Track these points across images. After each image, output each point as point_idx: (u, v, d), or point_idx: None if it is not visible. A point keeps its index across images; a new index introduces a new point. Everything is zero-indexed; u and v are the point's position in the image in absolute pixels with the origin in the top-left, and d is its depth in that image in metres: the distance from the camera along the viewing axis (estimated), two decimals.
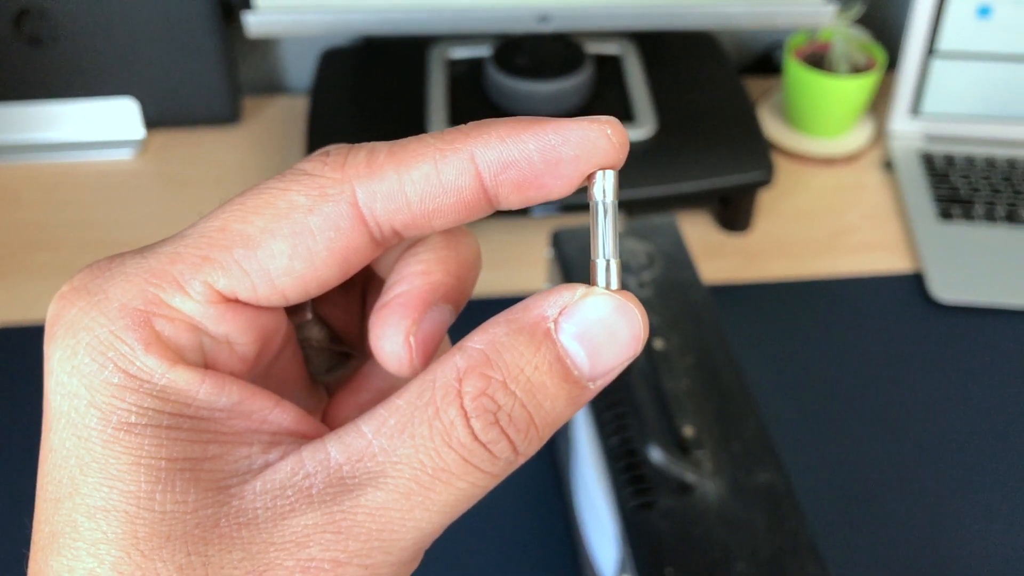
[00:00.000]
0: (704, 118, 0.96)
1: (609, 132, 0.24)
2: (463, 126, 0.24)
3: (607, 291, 0.24)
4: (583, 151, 0.24)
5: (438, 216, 0.24)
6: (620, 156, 0.24)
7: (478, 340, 0.23)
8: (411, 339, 0.25)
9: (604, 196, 0.24)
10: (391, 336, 0.25)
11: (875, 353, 0.84)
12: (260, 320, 0.25)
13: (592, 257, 0.25)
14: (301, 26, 0.92)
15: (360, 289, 0.30)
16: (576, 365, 0.23)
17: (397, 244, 0.27)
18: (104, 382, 0.22)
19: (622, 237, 0.26)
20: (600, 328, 0.23)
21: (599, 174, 0.24)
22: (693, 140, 0.93)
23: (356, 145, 0.24)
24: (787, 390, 0.80)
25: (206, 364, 0.24)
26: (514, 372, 0.22)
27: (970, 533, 0.71)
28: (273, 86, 1.16)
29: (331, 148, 0.24)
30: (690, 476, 0.51)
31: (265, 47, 1.13)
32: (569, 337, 0.23)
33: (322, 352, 0.30)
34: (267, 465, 0.23)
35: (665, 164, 0.91)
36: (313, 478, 0.22)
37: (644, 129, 0.93)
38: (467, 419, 0.22)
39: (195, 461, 0.22)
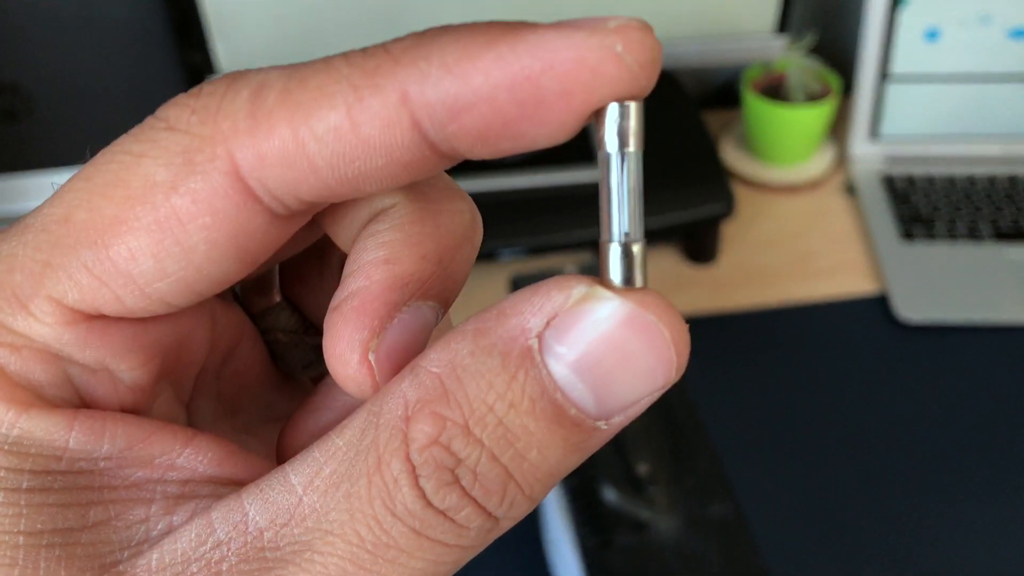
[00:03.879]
0: (665, 155, 0.98)
1: (620, 49, 0.16)
2: (394, 42, 0.17)
3: (616, 292, 0.17)
4: (577, 84, 0.16)
5: (366, 181, 0.17)
6: (641, 80, 0.16)
7: (435, 359, 0.17)
8: (371, 356, 0.18)
9: (618, 143, 0.17)
10: (344, 354, 0.18)
11: (843, 377, 0.85)
12: (148, 335, 0.19)
13: (601, 238, 0.17)
14: None
15: (340, 261, 0.23)
16: (573, 401, 0.16)
17: (343, 213, 0.20)
18: None
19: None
20: (606, 349, 0.16)
21: (611, 109, 0.16)
22: (655, 177, 0.95)
23: (240, 76, 0.17)
24: (758, 418, 0.82)
25: (81, 400, 0.18)
26: (480, 411, 0.16)
27: (941, 555, 0.72)
28: None
29: (206, 84, 0.18)
30: (645, 513, 0.53)
31: None
32: (560, 362, 0.16)
33: (295, 345, 0.24)
34: (170, 529, 0.17)
35: None
36: (225, 548, 0.17)
37: None
38: (415, 477, 0.16)
39: (68, 532, 0.17)
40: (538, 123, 0.16)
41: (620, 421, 0.17)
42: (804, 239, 1.00)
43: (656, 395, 0.17)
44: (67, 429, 0.17)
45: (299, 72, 0.17)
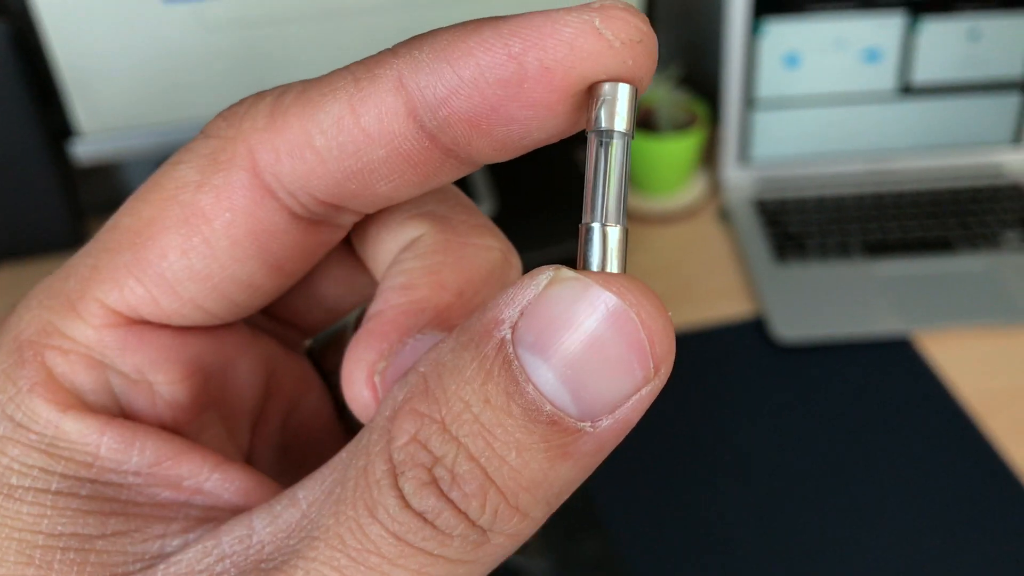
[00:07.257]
0: (540, 191, 0.99)
1: (598, 24, 0.16)
2: (400, 43, 0.17)
3: (586, 276, 0.16)
4: (557, 60, 0.16)
5: (375, 177, 0.17)
6: (625, 58, 0.16)
7: (425, 359, 0.16)
8: (376, 379, 0.18)
9: (604, 123, 0.17)
10: (351, 374, 0.19)
11: (723, 401, 0.86)
12: (186, 348, 0.19)
13: (583, 220, 0.17)
14: (130, 151, 0.93)
15: None
16: (547, 397, 0.15)
17: (374, 231, 0.20)
18: None
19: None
20: (573, 336, 0.15)
21: (604, 89, 0.16)
22: (532, 213, 0.96)
23: (272, 89, 0.18)
24: (635, 448, 0.82)
25: (121, 410, 0.19)
26: (456, 408, 0.15)
27: (824, 573, 0.73)
28: (120, 203, 1.16)
29: (246, 97, 0.18)
30: (516, 558, 0.53)
31: (107, 166, 1.13)
32: (530, 352, 0.15)
33: None
34: (185, 547, 0.17)
35: (509, 238, 0.93)
36: (228, 561, 0.16)
37: (484, 207, 0.95)
38: (394, 477, 0.15)
39: (86, 538, 0.17)
40: (523, 103, 0.16)
41: (610, 426, 0.15)
42: (681, 267, 1.02)
43: (645, 396, 0.16)
44: (99, 434, 0.17)
45: (318, 78, 0.17)
